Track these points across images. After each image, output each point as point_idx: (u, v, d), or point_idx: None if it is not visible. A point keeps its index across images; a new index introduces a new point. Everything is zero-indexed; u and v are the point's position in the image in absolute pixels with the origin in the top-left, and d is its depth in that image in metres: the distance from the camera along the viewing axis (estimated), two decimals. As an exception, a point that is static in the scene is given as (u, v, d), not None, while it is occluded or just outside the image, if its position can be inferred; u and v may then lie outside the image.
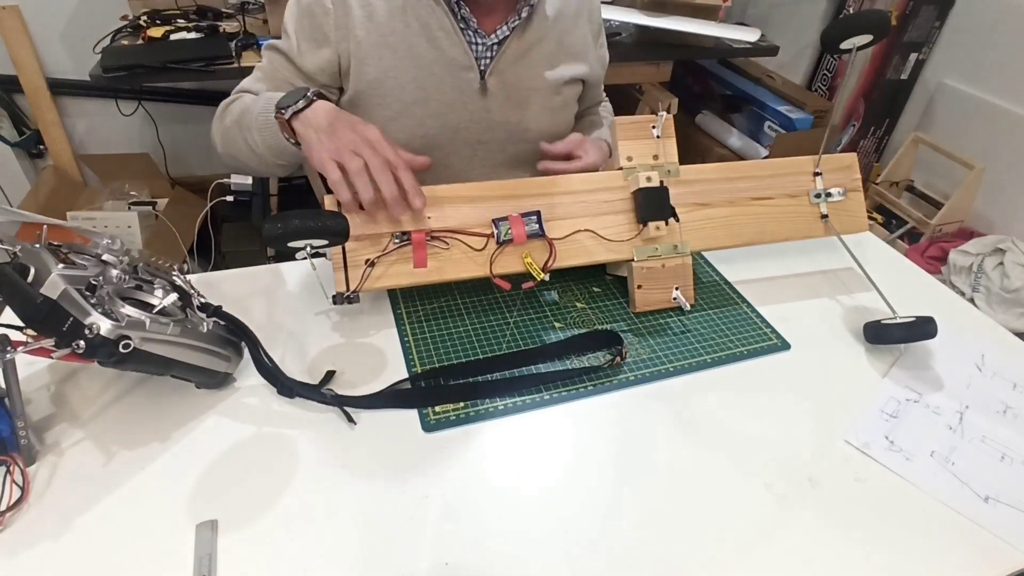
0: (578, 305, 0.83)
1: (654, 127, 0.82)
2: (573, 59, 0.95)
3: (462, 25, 0.85)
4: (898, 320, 0.78)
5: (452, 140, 0.90)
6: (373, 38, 0.83)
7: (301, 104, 0.71)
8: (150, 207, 2.00)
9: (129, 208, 1.97)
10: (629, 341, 0.78)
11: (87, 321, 0.52)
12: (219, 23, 1.81)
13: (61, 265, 0.54)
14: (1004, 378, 0.78)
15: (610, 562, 0.55)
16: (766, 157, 2.07)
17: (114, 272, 0.60)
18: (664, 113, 0.82)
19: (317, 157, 0.69)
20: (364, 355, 0.73)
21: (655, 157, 0.82)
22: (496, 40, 0.87)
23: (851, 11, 2.30)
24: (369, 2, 0.82)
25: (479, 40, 0.86)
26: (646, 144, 0.82)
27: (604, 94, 1.12)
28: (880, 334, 0.79)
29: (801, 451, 0.66)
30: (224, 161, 0.89)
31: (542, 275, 0.75)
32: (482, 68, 0.88)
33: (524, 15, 0.86)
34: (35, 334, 0.54)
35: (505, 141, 0.93)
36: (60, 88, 2.00)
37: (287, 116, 0.72)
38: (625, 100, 2.15)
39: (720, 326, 0.81)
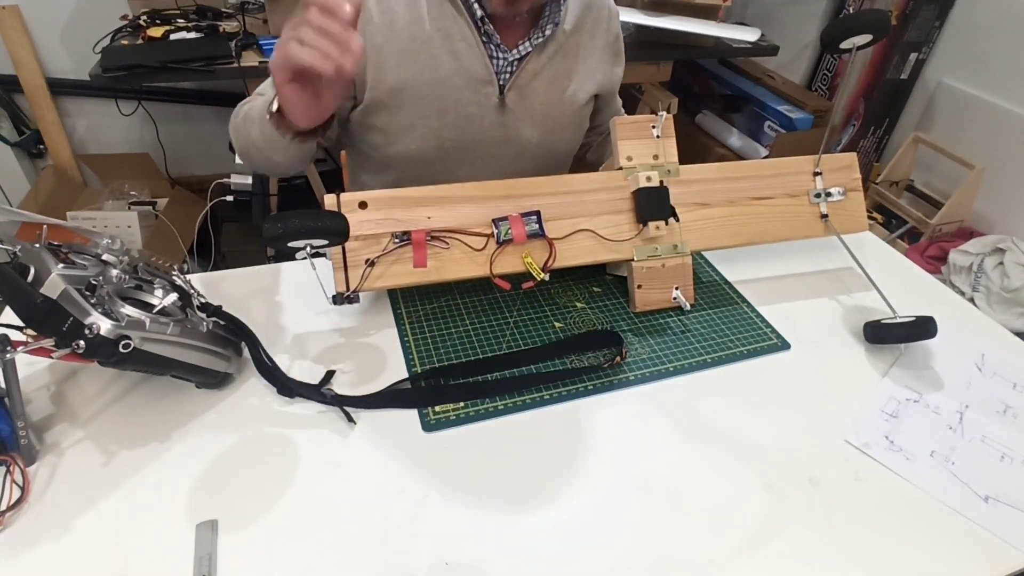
0: (578, 305, 0.83)
1: (654, 127, 0.82)
2: (590, 73, 0.93)
3: (484, 39, 0.84)
4: (898, 320, 0.78)
5: (465, 153, 0.90)
6: (394, 45, 0.82)
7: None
8: (150, 207, 2.00)
9: (129, 208, 1.98)
10: (629, 341, 0.78)
11: (87, 321, 0.52)
12: (219, 23, 1.81)
13: (61, 265, 0.54)
14: (1004, 378, 0.78)
15: (610, 562, 0.55)
16: (766, 157, 2.07)
17: (114, 272, 0.60)
18: (664, 113, 0.82)
19: (274, 60, 0.62)
20: (364, 355, 0.73)
21: (655, 157, 0.82)
22: (518, 56, 0.86)
23: (851, 11, 2.30)
24: (391, 8, 0.81)
25: (501, 55, 0.85)
26: (646, 144, 0.82)
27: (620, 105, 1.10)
28: (880, 334, 0.79)
29: (801, 451, 0.66)
30: (241, 159, 0.89)
31: (542, 275, 0.75)
32: (501, 83, 0.87)
33: (548, 33, 0.85)
34: (35, 334, 0.54)
35: (517, 156, 0.93)
36: (60, 88, 2.00)
37: (273, 109, 0.71)
38: (625, 100, 2.14)
39: (720, 326, 0.81)
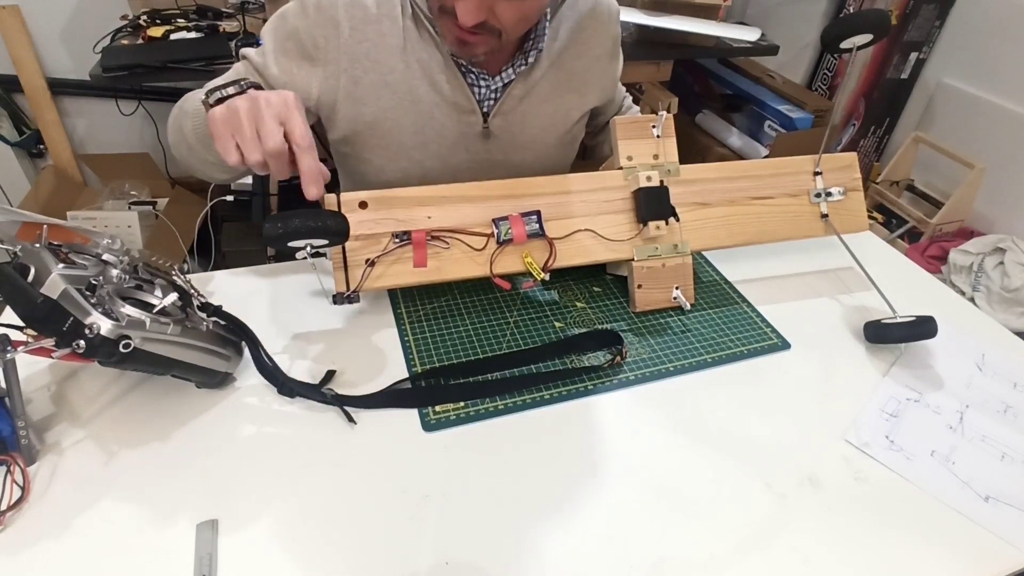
0: (578, 305, 0.83)
1: (654, 127, 0.82)
2: (587, 89, 0.89)
3: (463, 68, 0.80)
4: (898, 319, 0.78)
5: (452, 178, 0.85)
6: (372, 77, 0.78)
7: (232, 90, 0.60)
8: (150, 207, 2.00)
9: (129, 208, 1.97)
10: (629, 341, 0.78)
11: (87, 321, 0.52)
12: (219, 23, 1.81)
13: (61, 265, 0.54)
14: (1004, 377, 0.78)
15: (610, 561, 0.55)
16: (766, 156, 2.07)
17: (114, 272, 0.60)
18: (664, 112, 0.82)
19: (212, 128, 0.58)
20: (364, 355, 0.73)
21: (655, 156, 0.82)
22: (501, 83, 0.82)
23: (851, 10, 2.30)
24: (367, 37, 0.77)
25: (482, 83, 0.81)
26: (646, 144, 0.82)
27: (625, 92, 1.06)
28: (880, 333, 0.79)
29: (801, 451, 0.66)
30: (177, 161, 0.82)
31: (542, 275, 0.75)
32: (485, 111, 0.83)
33: (532, 60, 0.81)
34: (35, 334, 0.54)
35: (505, 179, 0.88)
36: (60, 88, 2.00)
37: (211, 101, 0.60)
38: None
39: (720, 325, 0.81)
